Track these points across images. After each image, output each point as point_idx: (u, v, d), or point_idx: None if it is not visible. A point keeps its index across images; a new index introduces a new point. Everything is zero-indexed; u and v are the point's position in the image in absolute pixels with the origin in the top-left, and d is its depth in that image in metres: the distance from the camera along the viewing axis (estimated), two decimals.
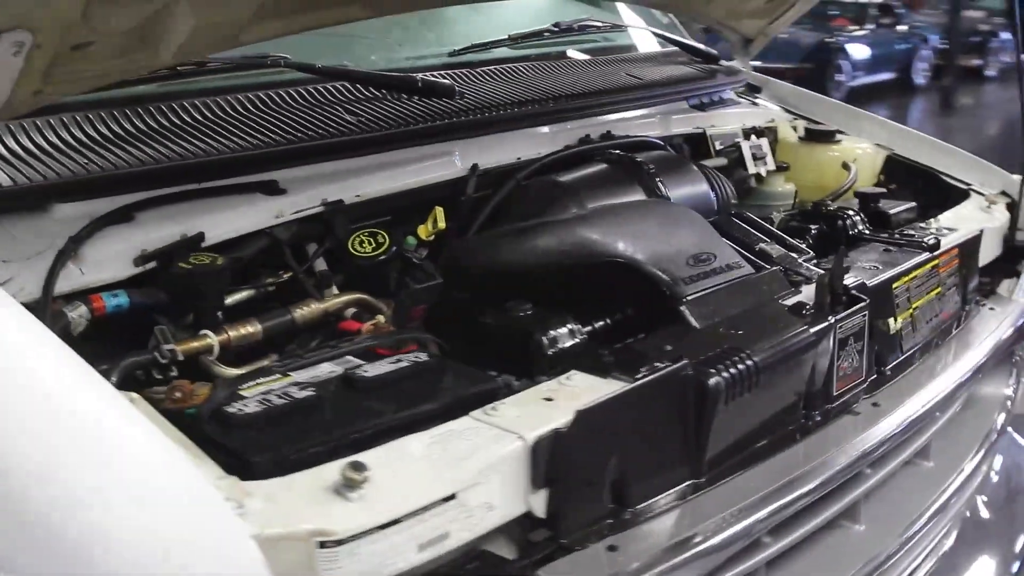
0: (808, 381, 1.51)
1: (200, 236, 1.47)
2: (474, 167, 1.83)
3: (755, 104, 2.63)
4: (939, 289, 1.88)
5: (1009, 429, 2.17)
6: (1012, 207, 2.21)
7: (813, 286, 1.58)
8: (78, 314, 1.33)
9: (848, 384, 1.60)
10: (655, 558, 1.20)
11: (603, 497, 1.23)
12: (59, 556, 0.84)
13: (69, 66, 1.32)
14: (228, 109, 1.73)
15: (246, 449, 1.09)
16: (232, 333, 1.38)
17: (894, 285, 1.74)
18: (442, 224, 1.69)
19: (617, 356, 1.35)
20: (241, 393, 1.20)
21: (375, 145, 1.75)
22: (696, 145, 2.34)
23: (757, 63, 2.78)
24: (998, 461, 2.19)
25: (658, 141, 2.16)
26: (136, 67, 1.45)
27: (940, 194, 2.31)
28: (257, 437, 1.12)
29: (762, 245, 1.76)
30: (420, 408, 1.21)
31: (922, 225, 2.02)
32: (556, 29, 2.34)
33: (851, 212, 2.02)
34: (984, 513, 2.12)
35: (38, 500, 0.84)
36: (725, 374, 1.33)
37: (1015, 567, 2.06)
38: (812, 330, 1.49)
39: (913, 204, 2.15)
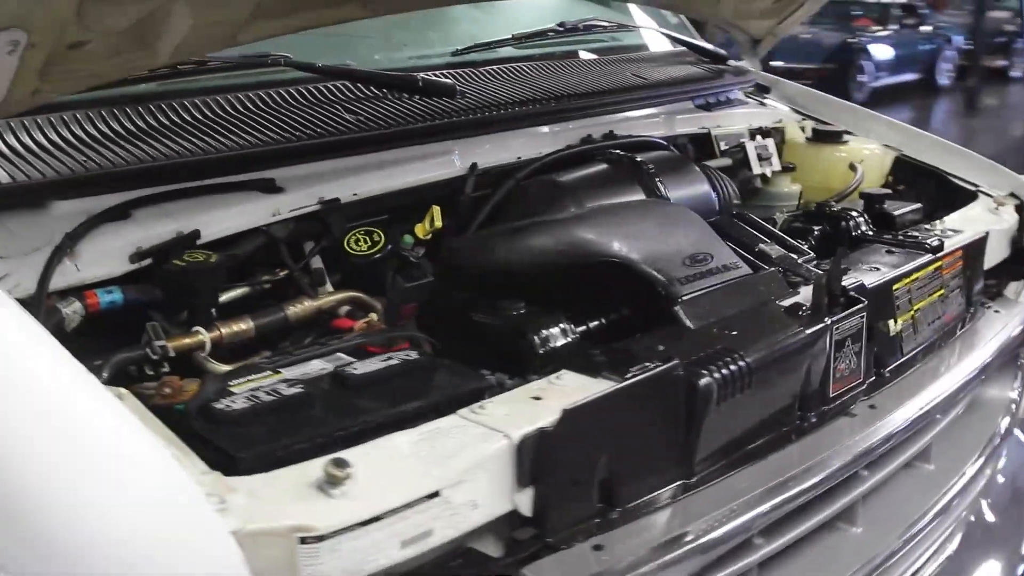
0: (803, 382, 1.50)
1: (196, 233, 1.48)
2: (473, 166, 1.83)
3: (763, 104, 2.61)
4: (942, 291, 1.86)
5: (1016, 431, 2.15)
6: (1021, 209, 2.19)
7: (811, 287, 1.57)
8: (72, 310, 1.34)
9: (845, 386, 1.59)
10: (641, 558, 1.20)
11: (591, 496, 1.23)
12: (35, 549, 0.85)
13: (66, 65, 1.34)
14: (228, 108, 1.74)
15: (231, 445, 1.09)
16: (224, 330, 1.39)
17: (895, 287, 1.73)
18: (439, 223, 1.69)
19: (608, 356, 1.34)
20: (231, 389, 1.21)
21: (373, 144, 1.76)
22: (702, 145, 2.34)
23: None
24: (1004, 464, 2.17)
25: (661, 141, 2.15)
26: (134, 66, 1.47)
27: (949, 196, 2.29)
28: (243, 433, 1.13)
29: (761, 246, 1.75)
30: (408, 406, 1.22)
31: (927, 226, 2.01)
32: (561, 29, 2.34)
33: (854, 213, 2.01)
34: (989, 516, 2.10)
35: (14, 493, 0.85)
36: (716, 375, 1.33)
37: (1021, 570, 2.04)
38: (807, 331, 1.48)
39: (918, 205, 2.14)
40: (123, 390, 1.14)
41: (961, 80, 14.78)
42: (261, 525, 0.95)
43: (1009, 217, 2.16)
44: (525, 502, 1.15)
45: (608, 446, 1.23)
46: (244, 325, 1.42)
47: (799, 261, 1.73)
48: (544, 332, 1.41)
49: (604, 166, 1.90)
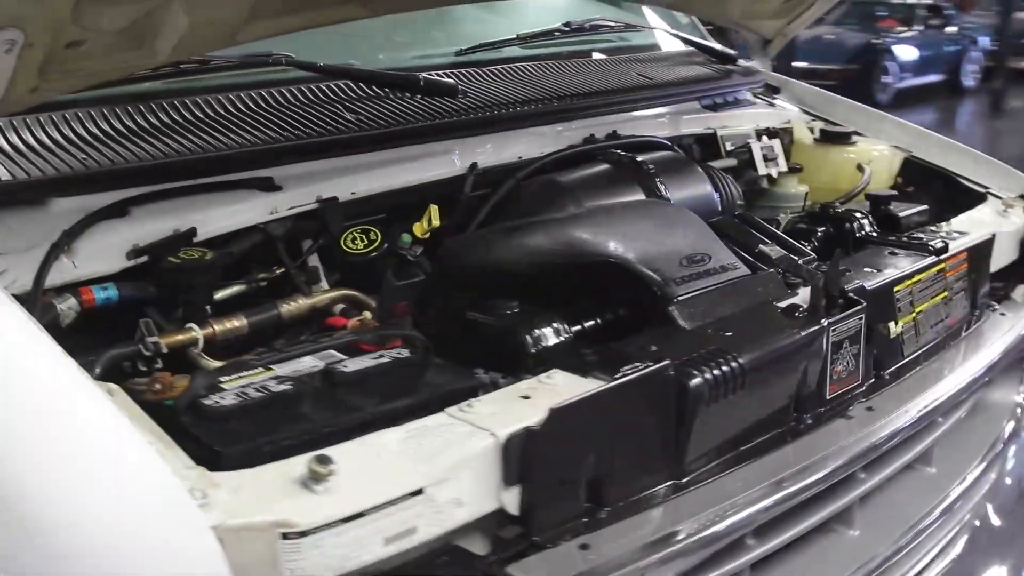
0: (800, 384, 1.50)
1: (192, 231, 1.49)
2: (472, 166, 1.84)
3: (772, 105, 2.60)
4: (945, 293, 1.85)
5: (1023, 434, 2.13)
6: None
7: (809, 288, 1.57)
8: (67, 306, 1.36)
9: (843, 388, 1.58)
10: (627, 557, 1.20)
11: (578, 495, 1.23)
12: (13, 538, 0.87)
13: (64, 64, 1.35)
14: (230, 107, 1.75)
15: (217, 440, 1.11)
16: (218, 327, 1.41)
17: (896, 288, 1.72)
18: (437, 222, 1.70)
19: (600, 356, 1.34)
20: (221, 385, 1.22)
21: (372, 143, 1.76)
22: (708, 146, 2.33)
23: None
24: (1011, 467, 2.15)
25: (664, 141, 2.14)
26: (132, 65, 1.48)
27: (958, 197, 2.28)
28: (230, 429, 1.14)
29: (762, 247, 1.74)
30: (397, 403, 1.23)
31: (932, 228, 1.99)
32: (567, 29, 2.33)
33: (858, 214, 2.00)
34: (995, 520, 2.08)
35: None
36: (708, 375, 1.32)
37: None
38: (803, 333, 1.48)
39: (925, 207, 2.12)
40: (113, 385, 1.15)
41: (986, 81, 14.62)
42: (243, 520, 0.96)
43: (1018, 219, 2.15)
44: (512, 500, 1.15)
45: (597, 445, 1.23)
46: (237, 322, 1.43)
47: (799, 262, 1.72)
48: (537, 332, 1.41)
49: (605, 166, 1.90)
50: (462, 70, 2.13)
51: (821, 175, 2.39)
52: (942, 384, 1.72)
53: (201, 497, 0.96)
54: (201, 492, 0.97)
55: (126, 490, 0.92)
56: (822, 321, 1.51)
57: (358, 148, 1.74)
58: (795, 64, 10.22)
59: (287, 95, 1.83)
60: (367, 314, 1.51)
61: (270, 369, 1.28)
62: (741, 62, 2.66)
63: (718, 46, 2.66)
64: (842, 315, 1.54)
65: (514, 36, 2.30)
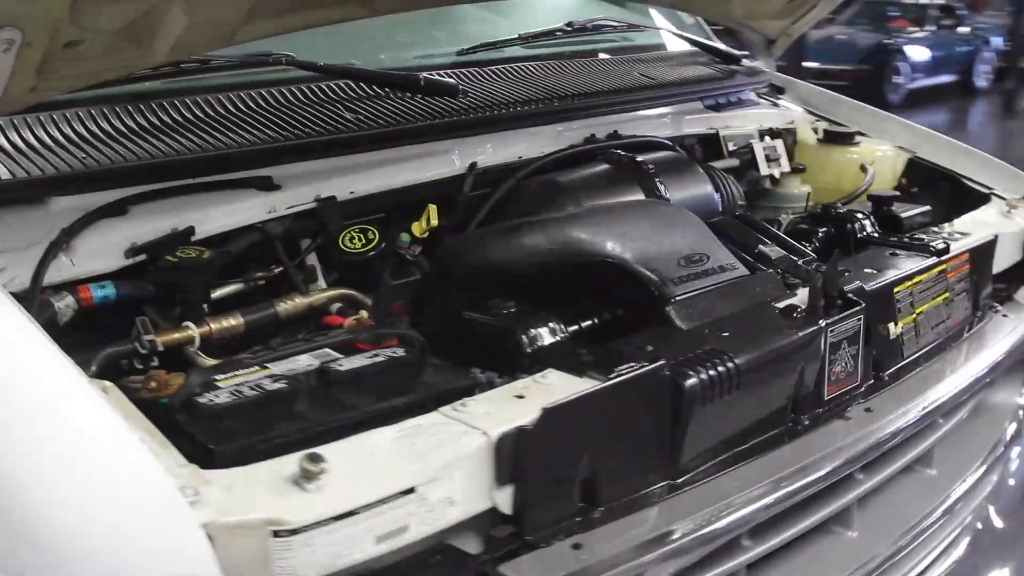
0: (797, 385, 1.49)
1: (190, 230, 1.50)
2: (472, 165, 1.84)
3: (775, 105, 2.60)
4: (947, 294, 1.84)
5: None
6: None
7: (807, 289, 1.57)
8: (65, 304, 1.37)
9: (841, 389, 1.57)
10: (620, 557, 1.19)
11: (572, 495, 1.23)
12: (4, 535, 0.87)
13: (63, 63, 1.36)
14: (230, 106, 1.76)
15: (210, 438, 1.11)
16: (214, 325, 1.41)
17: (896, 289, 1.71)
18: (435, 222, 1.70)
19: (595, 355, 1.34)
20: (216, 384, 1.22)
21: (371, 142, 1.77)
22: (710, 146, 2.33)
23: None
24: (1014, 468, 2.14)
25: (665, 141, 2.14)
26: (131, 65, 1.49)
27: (963, 198, 2.27)
28: (224, 427, 1.14)
29: (761, 247, 1.74)
30: (391, 402, 1.23)
31: (934, 229, 1.99)
32: (569, 29, 2.33)
33: (860, 215, 2.00)
34: (998, 522, 2.07)
35: None
36: (703, 376, 1.32)
37: None
38: (801, 333, 1.47)
39: (927, 208, 2.12)
40: (108, 383, 1.15)
41: (999, 82, 14.56)
42: (234, 518, 0.96)
43: (1022, 220, 2.13)
44: (504, 500, 1.15)
45: (591, 445, 1.23)
46: (234, 321, 1.43)
47: (798, 263, 1.71)
48: (533, 331, 1.41)
49: (604, 166, 1.90)
50: (463, 70, 2.13)
51: (824, 175, 2.39)
52: (942, 385, 1.71)
53: (192, 495, 0.97)
54: (193, 490, 0.97)
55: (117, 487, 0.92)
56: (820, 322, 1.50)
57: (357, 148, 1.74)
58: (806, 64, 10.21)
59: (287, 95, 1.83)
60: (364, 313, 1.51)
61: (265, 367, 1.28)
62: (745, 62, 2.66)
63: (722, 46, 2.66)
64: (840, 316, 1.53)
65: (516, 36, 2.30)
